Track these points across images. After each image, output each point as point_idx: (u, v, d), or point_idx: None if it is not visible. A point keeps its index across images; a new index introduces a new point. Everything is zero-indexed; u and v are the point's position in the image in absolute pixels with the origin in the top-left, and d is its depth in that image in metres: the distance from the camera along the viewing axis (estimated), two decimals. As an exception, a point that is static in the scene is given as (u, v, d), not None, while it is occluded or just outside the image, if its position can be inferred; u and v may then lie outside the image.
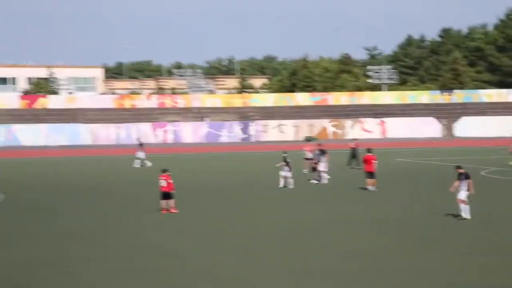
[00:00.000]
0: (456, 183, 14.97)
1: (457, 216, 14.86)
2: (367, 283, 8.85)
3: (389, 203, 18.45)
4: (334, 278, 9.21)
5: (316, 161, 25.49)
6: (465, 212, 14.55)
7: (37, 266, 10.74)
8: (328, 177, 23.89)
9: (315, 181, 24.02)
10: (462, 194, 15.38)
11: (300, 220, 15.71)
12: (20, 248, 13.05)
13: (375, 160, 21.05)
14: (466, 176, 15.84)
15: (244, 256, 12.19)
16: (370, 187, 20.70)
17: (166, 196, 18.78)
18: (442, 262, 10.33)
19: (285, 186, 23.15)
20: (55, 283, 9.59)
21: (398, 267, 9.80)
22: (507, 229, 14.11)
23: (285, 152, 26.11)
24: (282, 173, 23.52)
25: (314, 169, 26.86)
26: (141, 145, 34.80)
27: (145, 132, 54.08)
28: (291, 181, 23.16)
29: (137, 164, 32.75)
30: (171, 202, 18.68)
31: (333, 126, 57.12)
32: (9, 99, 61.83)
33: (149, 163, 33.12)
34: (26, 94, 69.23)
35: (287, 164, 23.59)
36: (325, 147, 26.59)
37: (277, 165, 25.98)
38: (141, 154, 34.05)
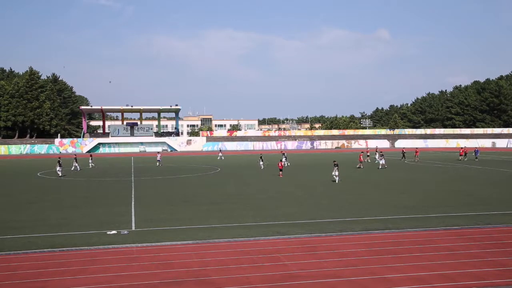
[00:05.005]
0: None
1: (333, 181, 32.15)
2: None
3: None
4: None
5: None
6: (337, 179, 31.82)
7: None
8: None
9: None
10: (335, 172, 32.05)
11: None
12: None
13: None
14: (337, 165, 32.03)
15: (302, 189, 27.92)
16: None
17: (280, 170, 36.24)
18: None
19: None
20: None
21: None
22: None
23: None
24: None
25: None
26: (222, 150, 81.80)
27: (272, 144, 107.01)
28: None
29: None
30: (281, 172, 36.13)
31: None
32: (220, 133, 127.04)
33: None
34: (230, 130, 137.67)
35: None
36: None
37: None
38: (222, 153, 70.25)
